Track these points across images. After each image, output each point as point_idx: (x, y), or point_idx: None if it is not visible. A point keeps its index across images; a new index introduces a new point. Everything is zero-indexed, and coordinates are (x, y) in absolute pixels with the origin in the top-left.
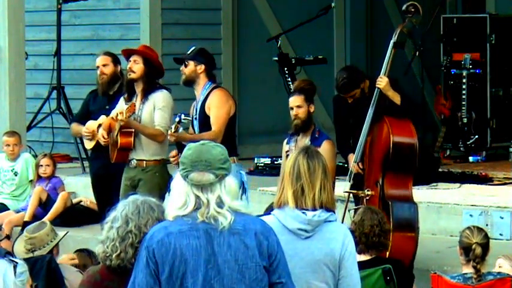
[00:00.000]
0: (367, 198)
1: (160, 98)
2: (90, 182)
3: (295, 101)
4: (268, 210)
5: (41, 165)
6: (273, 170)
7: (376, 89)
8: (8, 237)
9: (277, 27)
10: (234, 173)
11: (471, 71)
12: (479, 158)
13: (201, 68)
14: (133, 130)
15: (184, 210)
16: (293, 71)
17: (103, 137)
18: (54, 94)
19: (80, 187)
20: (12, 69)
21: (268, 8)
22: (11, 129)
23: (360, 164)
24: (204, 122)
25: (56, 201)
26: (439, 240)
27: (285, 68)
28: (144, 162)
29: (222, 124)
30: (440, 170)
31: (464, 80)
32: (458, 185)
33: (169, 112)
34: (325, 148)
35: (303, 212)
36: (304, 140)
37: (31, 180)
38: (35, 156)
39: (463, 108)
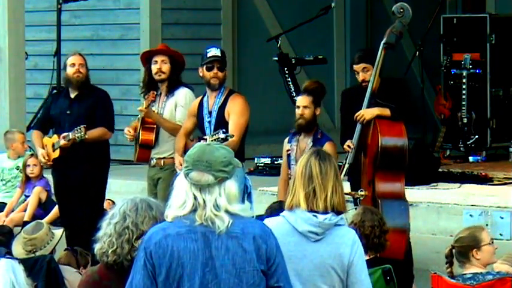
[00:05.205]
0: (362, 198)
1: (182, 96)
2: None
3: (303, 100)
4: (269, 211)
5: (28, 165)
6: (272, 170)
7: (358, 124)
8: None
9: (277, 27)
10: (241, 178)
11: (471, 71)
12: (479, 158)
13: (226, 73)
14: (155, 127)
15: (183, 209)
16: (293, 71)
17: (43, 157)
18: None
19: None
20: (12, 69)
21: (268, 8)
22: (11, 129)
23: (350, 143)
24: (220, 126)
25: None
26: (439, 240)
27: (285, 68)
28: (162, 160)
29: (241, 133)
30: (440, 170)
31: (464, 80)
32: (458, 185)
33: None
34: (326, 150)
35: (314, 215)
36: (306, 141)
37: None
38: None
39: (463, 108)
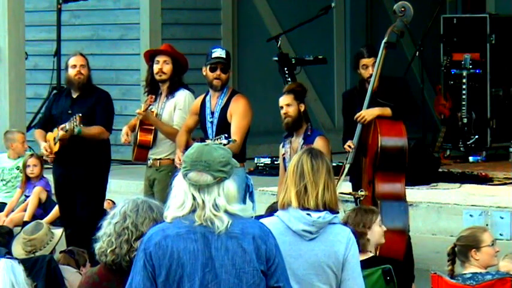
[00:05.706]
0: (362, 198)
1: (182, 99)
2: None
3: (284, 100)
4: (270, 211)
5: (29, 165)
6: (273, 170)
7: (359, 125)
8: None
9: (277, 27)
10: (243, 177)
11: (471, 71)
12: (479, 158)
13: (230, 74)
14: (153, 128)
15: (182, 210)
16: (293, 71)
17: (45, 149)
18: None
19: None
20: (12, 69)
21: (268, 8)
22: (11, 129)
23: (350, 143)
24: (222, 127)
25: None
26: (439, 240)
27: (285, 68)
28: (159, 161)
29: (243, 135)
30: (440, 170)
31: (464, 80)
32: (458, 185)
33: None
34: (318, 144)
35: (308, 214)
36: (298, 140)
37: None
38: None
39: (463, 108)
